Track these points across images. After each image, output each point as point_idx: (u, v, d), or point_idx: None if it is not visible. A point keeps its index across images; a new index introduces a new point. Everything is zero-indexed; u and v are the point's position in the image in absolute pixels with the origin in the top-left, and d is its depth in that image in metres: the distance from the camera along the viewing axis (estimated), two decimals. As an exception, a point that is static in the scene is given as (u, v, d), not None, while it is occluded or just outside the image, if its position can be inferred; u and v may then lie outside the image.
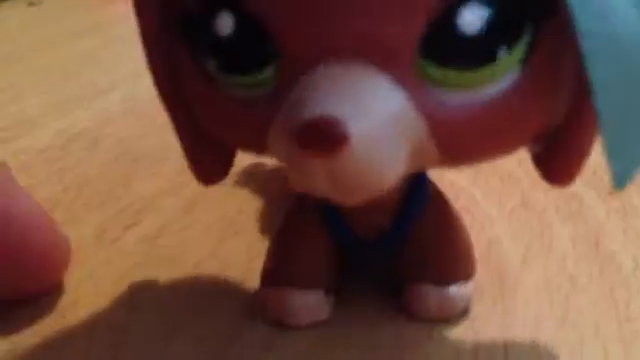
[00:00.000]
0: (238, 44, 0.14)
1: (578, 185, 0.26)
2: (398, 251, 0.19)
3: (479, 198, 0.25)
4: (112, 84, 0.39)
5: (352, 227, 0.19)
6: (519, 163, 0.28)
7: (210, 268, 0.22)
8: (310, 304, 0.19)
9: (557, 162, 0.16)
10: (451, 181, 0.26)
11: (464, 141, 0.14)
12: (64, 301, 0.21)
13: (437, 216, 0.19)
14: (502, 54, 0.13)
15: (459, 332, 0.19)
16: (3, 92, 0.39)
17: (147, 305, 0.20)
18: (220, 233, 0.24)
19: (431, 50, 0.13)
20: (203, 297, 0.21)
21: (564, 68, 0.14)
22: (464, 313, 0.19)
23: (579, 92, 0.14)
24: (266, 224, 0.24)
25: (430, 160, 0.14)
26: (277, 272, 0.19)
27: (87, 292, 0.21)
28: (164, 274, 0.22)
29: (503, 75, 0.14)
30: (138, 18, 0.16)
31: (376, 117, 0.13)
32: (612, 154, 0.13)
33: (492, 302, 0.20)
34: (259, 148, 0.15)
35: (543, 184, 0.25)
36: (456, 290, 0.19)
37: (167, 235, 0.24)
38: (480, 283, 0.20)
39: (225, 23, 0.14)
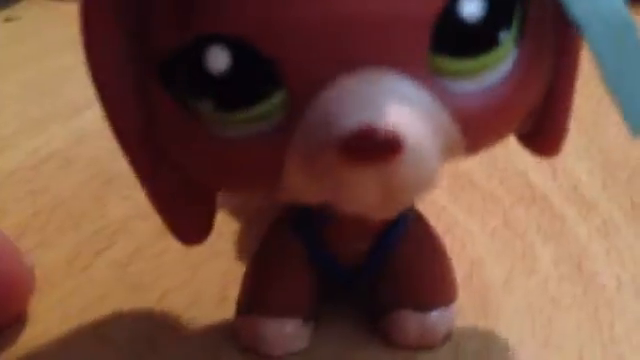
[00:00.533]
0: (237, 78, 0.13)
1: (559, 203, 0.25)
2: (378, 276, 0.19)
3: (460, 218, 0.25)
4: (88, 102, 0.38)
5: (332, 252, 0.18)
6: (500, 182, 0.27)
7: (185, 295, 0.21)
8: (287, 333, 0.18)
9: (546, 135, 0.17)
10: (432, 201, 0.25)
11: (485, 126, 0.14)
12: (29, 332, 0.20)
13: (417, 241, 0.19)
14: (504, 35, 0.14)
15: (441, 356, 0.18)
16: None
17: (117, 335, 0.20)
18: (196, 257, 0.23)
19: (440, 44, 0.13)
20: (177, 326, 0.20)
21: (547, 40, 0.15)
22: (446, 340, 0.19)
23: (556, 61, 0.15)
24: (244, 246, 0.24)
25: (457, 151, 0.14)
26: (253, 300, 0.19)
27: (54, 322, 0.20)
28: (136, 302, 0.21)
29: (506, 56, 0.14)
30: (90, 61, 0.15)
31: (416, 118, 0.13)
32: (621, 106, 0.14)
33: (474, 325, 0.20)
34: (268, 185, 0.15)
35: (524, 203, 0.26)
36: (437, 316, 0.18)
37: (141, 260, 0.23)
38: (462, 305, 0.20)
39: (218, 58, 0.13)
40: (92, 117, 0.36)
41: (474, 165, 0.29)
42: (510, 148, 0.29)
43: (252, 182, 0.15)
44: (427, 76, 0.13)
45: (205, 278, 0.22)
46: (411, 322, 0.18)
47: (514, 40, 0.14)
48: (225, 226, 0.25)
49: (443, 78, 0.14)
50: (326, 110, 0.13)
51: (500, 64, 0.14)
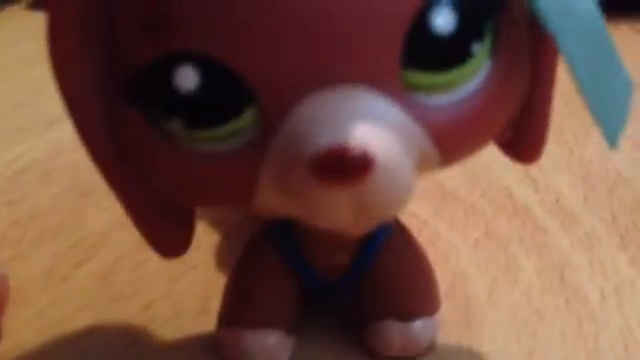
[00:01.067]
0: (207, 96, 0.13)
1: (541, 215, 0.26)
2: (360, 287, 0.19)
3: (442, 230, 0.25)
4: (64, 114, 0.38)
5: (313, 266, 0.18)
6: (482, 194, 0.27)
7: (167, 306, 0.21)
8: (270, 345, 0.18)
9: (525, 144, 0.17)
10: (413, 214, 0.25)
11: (459, 139, 0.14)
12: (4, 344, 0.20)
13: (399, 251, 0.19)
14: (476, 48, 0.14)
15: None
16: (-50, 122, 0.37)
17: (98, 347, 0.19)
18: (176, 269, 0.23)
19: (412, 58, 0.13)
20: (157, 338, 0.20)
21: (522, 52, 0.15)
22: (430, 349, 0.19)
23: (533, 72, 0.15)
24: (223, 258, 0.23)
25: (431, 164, 0.14)
26: (234, 312, 0.18)
27: (31, 335, 0.20)
28: (116, 314, 0.21)
29: (480, 69, 0.14)
30: (58, 76, 0.14)
31: (387, 136, 0.13)
32: (598, 116, 0.14)
33: (458, 338, 0.19)
34: (241, 201, 0.14)
35: (506, 214, 0.26)
36: (420, 325, 0.18)
37: (120, 272, 0.23)
38: (446, 318, 0.20)
39: (187, 77, 0.13)
40: (70, 129, 0.35)
41: (456, 179, 0.29)
42: (491, 163, 0.30)
43: (225, 198, 0.15)
44: (400, 91, 0.13)
45: (186, 289, 0.22)
46: (394, 332, 0.18)
47: (488, 52, 0.14)
48: (203, 239, 0.25)
49: (416, 92, 0.14)
50: (298, 128, 0.13)
51: (473, 77, 0.14)
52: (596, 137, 0.30)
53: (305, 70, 0.13)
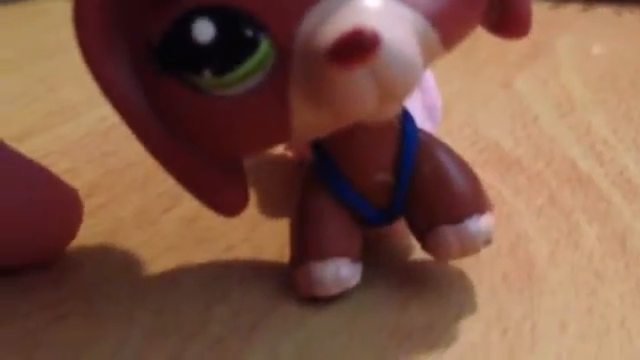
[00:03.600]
0: (224, 42, 0.15)
1: (605, 186, 0.26)
2: (410, 204, 0.20)
3: (506, 195, 0.26)
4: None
5: (362, 194, 0.20)
6: (547, 164, 0.28)
7: (247, 248, 0.23)
8: (340, 273, 0.19)
9: (513, 18, 0.18)
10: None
11: (454, 18, 0.16)
12: (96, 278, 0.22)
13: (435, 157, 0.20)
14: None
15: (483, 316, 0.19)
16: (43, 82, 0.40)
17: (186, 279, 0.21)
18: (254, 219, 0.24)
19: None
20: (241, 276, 0.21)
21: None
22: (487, 244, 0.20)
23: None
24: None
25: (435, 48, 0.16)
26: (302, 250, 0.20)
27: (123, 271, 0.22)
28: (200, 255, 0.22)
29: None
30: (96, 71, 0.16)
31: (390, 19, 0.15)
32: None
33: (519, 291, 0.20)
34: (282, 134, 0.16)
35: (570, 185, 0.26)
36: (473, 224, 0.19)
37: (204, 219, 0.25)
38: (508, 274, 0.21)
39: (204, 29, 0.15)
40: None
41: (520, 149, 0.30)
42: (556, 136, 0.30)
43: (266, 136, 0.17)
44: None
45: (264, 236, 0.23)
46: (449, 236, 0.19)
47: None
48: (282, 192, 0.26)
49: None
50: (310, 34, 0.15)
51: None
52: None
53: None
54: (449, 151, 0.20)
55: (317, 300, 0.20)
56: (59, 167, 0.25)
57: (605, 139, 0.31)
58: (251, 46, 0.15)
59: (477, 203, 0.20)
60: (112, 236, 0.24)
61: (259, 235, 0.24)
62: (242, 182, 0.18)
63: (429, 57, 0.16)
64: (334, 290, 0.19)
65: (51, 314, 0.20)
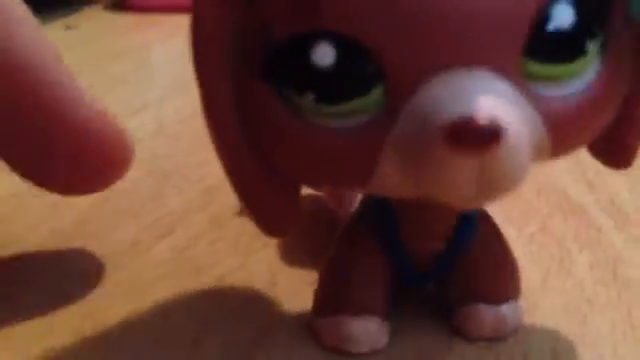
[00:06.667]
0: (340, 73, 0.14)
1: (596, 215, 0.26)
2: (451, 273, 0.20)
3: (498, 222, 0.26)
4: (143, 105, 0.40)
5: (409, 254, 0.19)
6: (538, 193, 0.28)
7: (238, 279, 0.23)
8: (371, 331, 0.19)
9: (620, 146, 0.18)
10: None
11: (571, 130, 0.15)
12: (98, 304, 0.22)
13: (489, 239, 0.20)
14: (589, 45, 0.15)
15: (480, 343, 0.19)
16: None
17: (178, 308, 0.21)
18: (249, 245, 0.24)
19: (532, 49, 0.14)
20: (232, 306, 0.21)
21: (627, 59, 0.16)
22: (514, 332, 0.20)
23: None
24: (289, 239, 0.25)
25: (544, 153, 0.15)
26: (334, 300, 0.19)
27: (123, 296, 0.22)
28: (193, 283, 0.22)
29: (590, 67, 0.15)
30: (200, 61, 0.16)
31: (513, 113, 0.14)
32: None
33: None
34: (359, 179, 0.15)
35: (562, 213, 0.27)
36: (509, 308, 0.19)
37: (196, 247, 0.25)
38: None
39: (325, 53, 0.14)
40: (147, 119, 0.38)
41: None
42: (546, 165, 0.31)
43: (343, 175, 0.16)
44: (519, 79, 0.14)
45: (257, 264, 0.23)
46: (486, 315, 0.19)
47: (597, 53, 0.15)
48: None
49: (532, 82, 0.15)
50: (427, 103, 0.14)
51: (584, 73, 0.15)
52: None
53: (433, 52, 0.14)
54: (499, 232, 0.20)
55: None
56: (51, 195, 0.25)
57: (596, 166, 0.31)
58: (365, 87, 0.14)
59: (514, 289, 0.20)
60: (105, 262, 0.24)
61: (252, 264, 0.24)
62: (294, 206, 0.18)
63: (536, 157, 0.15)
64: (364, 348, 0.19)
65: (41, 344, 0.20)
